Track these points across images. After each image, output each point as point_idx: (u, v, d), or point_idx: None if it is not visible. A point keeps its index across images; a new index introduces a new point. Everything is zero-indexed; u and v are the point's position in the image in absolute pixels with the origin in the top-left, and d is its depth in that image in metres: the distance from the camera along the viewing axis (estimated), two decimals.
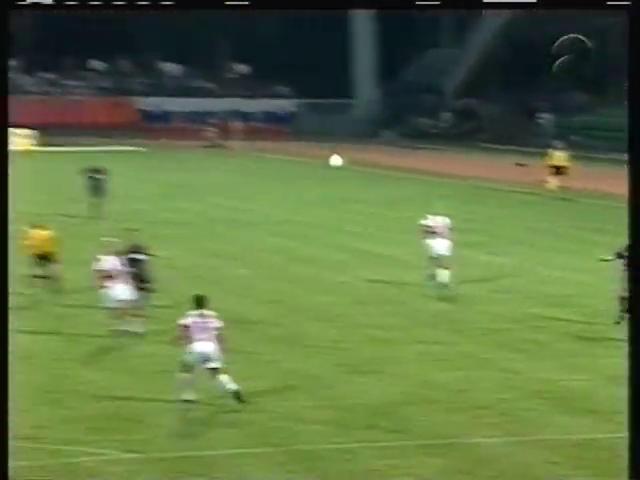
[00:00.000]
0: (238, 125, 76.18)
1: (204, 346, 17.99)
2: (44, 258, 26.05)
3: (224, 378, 18.06)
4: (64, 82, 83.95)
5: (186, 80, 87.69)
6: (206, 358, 17.99)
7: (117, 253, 22.92)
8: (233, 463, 15.85)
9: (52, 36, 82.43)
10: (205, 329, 18.08)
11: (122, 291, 22.25)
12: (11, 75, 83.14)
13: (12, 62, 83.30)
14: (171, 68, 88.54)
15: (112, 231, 32.67)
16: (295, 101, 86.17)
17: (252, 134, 75.35)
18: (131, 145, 70.09)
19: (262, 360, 21.35)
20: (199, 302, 18.46)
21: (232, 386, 18.06)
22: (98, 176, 39.92)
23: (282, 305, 26.38)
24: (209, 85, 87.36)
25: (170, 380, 18.43)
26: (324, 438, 16.88)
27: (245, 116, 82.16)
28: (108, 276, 22.44)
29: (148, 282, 23.70)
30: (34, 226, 26.57)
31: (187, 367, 18.02)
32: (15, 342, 22.27)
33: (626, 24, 13.68)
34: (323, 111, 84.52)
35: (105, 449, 16.30)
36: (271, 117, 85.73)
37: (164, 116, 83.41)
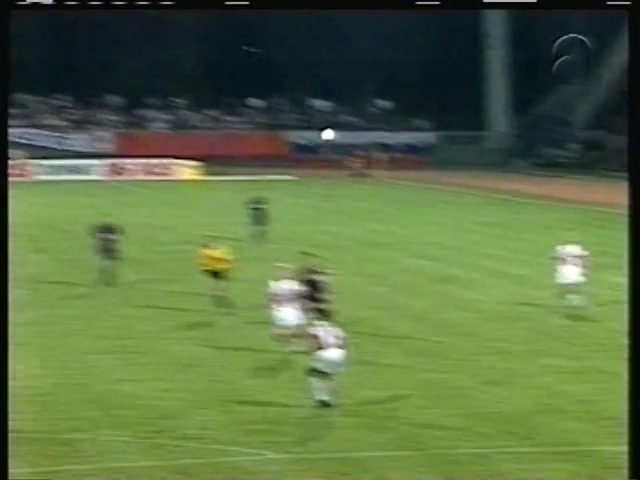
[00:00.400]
0: (381, 156, 76.32)
1: (333, 353, 18.07)
2: (216, 275, 26.05)
3: (326, 386, 18.05)
4: (225, 118, 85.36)
5: (334, 115, 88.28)
6: (335, 364, 18.05)
7: (292, 276, 22.58)
8: (377, 465, 15.84)
9: (215, 77, 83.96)
10: (332, 338, 18.16)
11: (291, 314, 22.07)
12: (179, 112, 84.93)
13: (180, 100, 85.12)
14: (320, 105, 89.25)
15: (272, 253, 33.04)
16: (433, 133, 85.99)
17: (393, 164, 75.45)
18: (283, 174, 70.78)
19: (402, 371, 21.28)
20: (324, 314, 18.55)
21: (325, 397, 18.03)
22: (260, 206, 40.34)
23: (422, 320, 26.28)
24: (354, 120, 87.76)
25: (335, 389, 18.40)
26: (460, 443, 16.73)
27: (387, 147, 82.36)
28: (280, 298, 22.29)
29: (323, 303, 23.12)
30: (205, 246, 26.70)
31: (317, 373, 18.08)
32: (184, 352, 22.79)
33: (626, 24, 13.08)
34: (459, 142, 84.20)
35: (262, 450, 16.44)
36: (411, 148, 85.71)
37: (313, 148, 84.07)
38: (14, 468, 15.47)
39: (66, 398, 19.10)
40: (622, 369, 21.57)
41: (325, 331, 18.29)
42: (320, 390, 18.12)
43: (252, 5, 13.66)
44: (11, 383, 19.86)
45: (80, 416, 18.05)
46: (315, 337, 18.26)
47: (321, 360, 18.13)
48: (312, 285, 23.07)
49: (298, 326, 21.94)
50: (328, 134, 63.85)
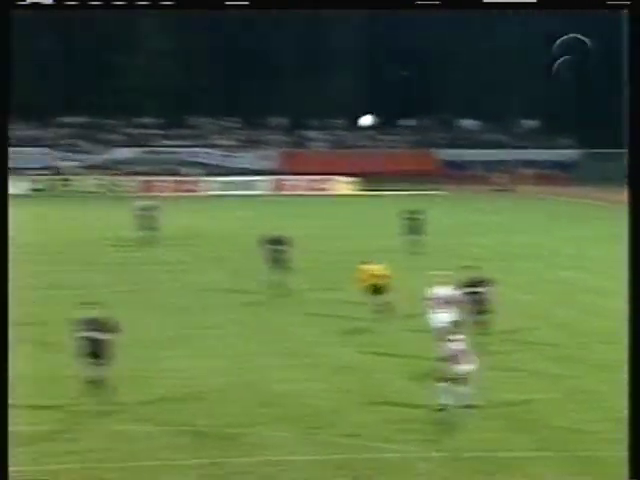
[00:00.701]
0: (526, 172, 75.26)
1: (466, 367, 17.98)
2: (376, 289, 25.72)
3: (467, 390, 17.93)
4: (380, 137, 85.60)
5: (481, 134, 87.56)
6: (467, 375, 17.93)
7: (448, 283, 22.34)
8: (520, 464, 15.63)
9: (371, 99, 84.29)
10: (468, 351, 18.10)
11: (446, 319, 21.79)
12: (338, 132, 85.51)
13: (339, 121, 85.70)
14: (468, 124, 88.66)
15: (426, 262, 32.82)
16: (578, 151, 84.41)
17: (539, 180, 74.34)
18: (433, 190, 70.54)
19: (546, 377, 20.88)
20: (458, 326, 18.67)
21: (468, 400, 17.88)
22: (415, 217, 40.17)
23: (567, 328, 25.75)
24: (501, 138, 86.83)
25: (478, 393, 18.22)
26: (602, 446, 16.36)
27: (532, 164, 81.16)
28: (436, 304, 22.06)
29: (484, 314, 22.95)
30: (364, 262, 26.26)
31: (449, 380, 17.93)
32: (342, 356, 22.84)
33: (626, 24, 12.39)
34: (602, 159, 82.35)
35: (411, 448, 16.41)
36: (556, 165, 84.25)
37: (462, 165, 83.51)
38: (183, 460, 15.82)
39: (232, 396, 19.40)
40: None
41: (462, 344, 18.13)
42: (449, 395, 17.95)
43: (252, 5, 12.91)
44: (183, 382, 20.39)
45: (245, 412, 18.31)
46: (453, 350, 18.11)
47: (454, 372, 18.01)
48: (473, 295, 22.86)
49: (451, 331, 21.71)
50: (366, 120, 62.88)
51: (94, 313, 18.67)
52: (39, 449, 16.30)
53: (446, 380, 17.89)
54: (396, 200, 57.48)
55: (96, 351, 18.10)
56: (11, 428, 17.38)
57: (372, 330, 25.07)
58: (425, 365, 21.44)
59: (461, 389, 17.89)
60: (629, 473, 11.84)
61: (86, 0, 12.64)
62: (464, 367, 17.89)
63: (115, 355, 18.39)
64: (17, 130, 78.48)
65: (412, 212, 40.38)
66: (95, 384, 18.24)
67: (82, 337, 18.28)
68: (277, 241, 30.54)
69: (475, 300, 23.06)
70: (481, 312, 23.04)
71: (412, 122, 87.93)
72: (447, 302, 22.20)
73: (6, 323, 12.23)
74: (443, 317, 21.84)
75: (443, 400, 17.87)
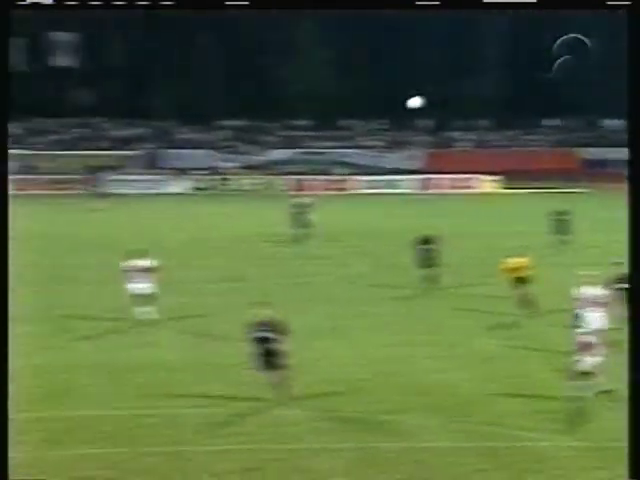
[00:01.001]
0: None
1: (596, 360, 17.65)
2: (519, 283, 25.48)
3: (599, 380, 17.69)
4: (522, 137, 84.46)
5: (624, 133, 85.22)
6: (596, 369, 17.68)
7: (597, 282, 21.92)
8: None
9: (514, 100, 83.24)
10: (600, 345, 17.75)
11: (595, 319, 21.19)
12: (481, 133, 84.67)
13: (482, 122, 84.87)
14: (612, 123, 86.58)
15: (573, 260, 32.10)
16: None
17: None
18: (574, 187, 69.17)
19: None
20: (579, 320, 18.64)
21: (605, 387, 17.72)
22: (563, 217, 39.54)
23: None
24: None
25: (620, 386, 17.92)
26: None
27: None
28: (586, 303, 21.68)
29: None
30: (509, 256, 26.01)
31: (580, 374, 17.63)
32: (486, 348, 22.65)
33: (626, 24, 11.61)
34: None
35: (554, 436, 16.27)
36: None
37: (604, 163, 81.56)
38: (334, 443, 16.06)
39: (383, 384, 19.54)
40: None
41: (592, 337, 17.85)
42: (587, 387, 17.69)
43: (252, 5, 12.64)
44: (337, 370, 20.60)
45: (392, 400, 18.42)
46: (583, 343, 17.82)
47: (587, 364, 17.76)
48: (624, 292, 22.32)
49: (599, 331, 21.14)
50: (415, 101, 60.74)
51: (257, 308, 18.86)
52: (205, 433, 16.80)
53: (580, 373, 17.65)
54: (539, 198, 56.62)
55: (268, 352, 18.24)
56: (174, 411, 18.00)
57: (517, 324, 24.80)
58: (567, 360, 21.15)
59: (598, 380, 17.63)
60: (629, 473, 11.44)
61: (86, 0, 12.51)
62: (594, 359, 17.64)
63: (285, 355, 18.38)
64: (182, 134, 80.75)
65: (559, 213, 39.84)
66: (260, 378, 18.50)
67: (255, 338, 18.46)
68: (427, 240, 30.59)
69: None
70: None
71: (556, 122, 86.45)
72: (595, 301, 21.69)
73: (6, 321, 11.73)
74: (592, 316, 21.30)
75: (581, 392, 17.62)
